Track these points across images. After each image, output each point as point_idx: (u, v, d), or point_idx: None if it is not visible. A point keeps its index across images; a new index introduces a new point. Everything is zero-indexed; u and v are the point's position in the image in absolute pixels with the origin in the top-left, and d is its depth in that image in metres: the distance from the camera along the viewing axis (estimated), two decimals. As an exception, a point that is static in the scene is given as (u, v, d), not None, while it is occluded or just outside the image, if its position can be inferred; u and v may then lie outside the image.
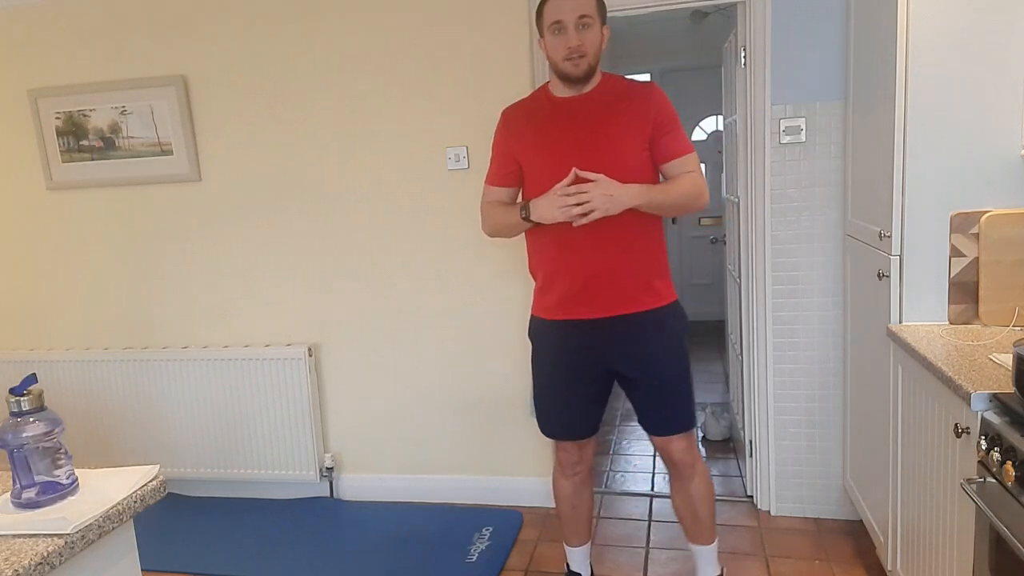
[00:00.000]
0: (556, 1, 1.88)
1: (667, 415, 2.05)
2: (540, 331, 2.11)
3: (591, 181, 1.82)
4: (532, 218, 1.91)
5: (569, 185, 1.84)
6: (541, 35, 1.96)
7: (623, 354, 2.01)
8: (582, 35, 1.87)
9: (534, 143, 1.99)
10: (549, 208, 1.86)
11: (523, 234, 2.07)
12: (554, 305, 2.02)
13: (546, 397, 2.15)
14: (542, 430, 2.18)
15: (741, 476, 3.06)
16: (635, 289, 1.96)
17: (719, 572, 2.20)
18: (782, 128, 2.56)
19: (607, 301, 1.95)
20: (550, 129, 1.97)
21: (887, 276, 2.03)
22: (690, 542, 2.20)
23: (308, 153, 2.93)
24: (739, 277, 2.89)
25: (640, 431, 3.50)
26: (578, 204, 1.81)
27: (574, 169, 1.84)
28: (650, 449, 3.49)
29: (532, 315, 2.13)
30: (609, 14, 2.63)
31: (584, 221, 1.82)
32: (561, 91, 1.98)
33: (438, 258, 2.90)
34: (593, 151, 1.90)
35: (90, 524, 1.15)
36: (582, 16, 1.86)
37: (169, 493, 2.46)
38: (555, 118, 1.98)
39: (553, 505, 2.29)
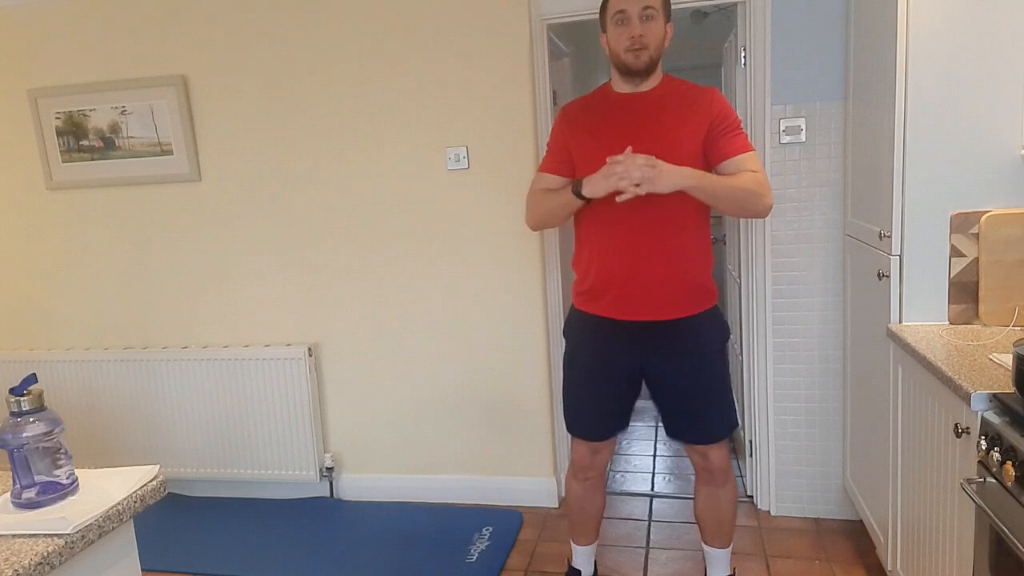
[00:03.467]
0: None
1: (708, 423, 2.03)
2: (580, 325, 2.10)
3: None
4: (583, 192, 1.87)
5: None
6: (603, 29, 1.95)
7: (661, 356, 2.00)
8: (645, 26, 1.87)
9: (589, 135, 1.97)
10: (599, 179, 1.82)
11: (567, 228, 2.08)
12: (596, 302, 2.02)
13: (578, 390, 2.12)
14: (568, 427, 2.17)
15: (741, 476, 3.06)
16: (680, 294, 1.95)
17: (730, 573, 2.21)
18: (782, 128, 2.56)
19: (651, 305, 1.95)
20: (607, 123, 1.96)
21: (887, 276, 2.03)
22: (706, 543, 2.20)
23: (308, 153, 2.93)
24: (739, 277, 2.89)
25: (640, 430, 3.48)
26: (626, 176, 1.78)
27: (628, 148, 1.81)
28: (650, 449, 3.49)
29: (573, 308, 2.12)
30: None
31: (631, 194, 1.77)
32: (621, 87, 1.97)
33: (438, 258, 2.90)
34: (646, 147, 1.86)
35: (90, 524, 1.15)
36: (646, 7, 1.86)
37: (169, 493, 2.46)
38: (612, 113, 1.97)
39: (553, 505, 2.30)
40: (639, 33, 1.86)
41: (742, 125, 2.00)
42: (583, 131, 1.98)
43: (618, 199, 1.79)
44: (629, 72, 1.91)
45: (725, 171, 1.92)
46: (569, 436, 2.24)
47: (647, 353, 2.00)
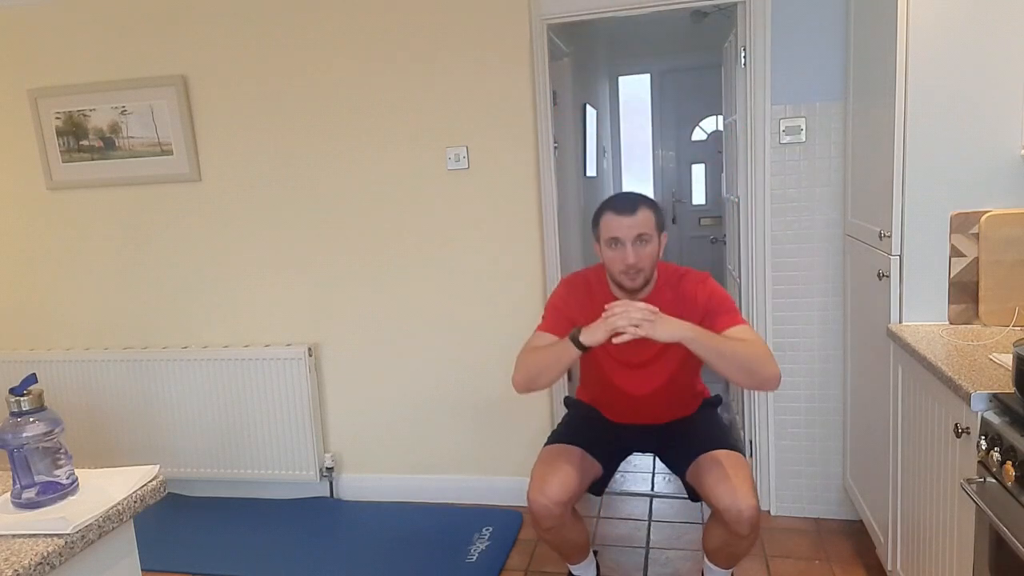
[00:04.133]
0: (615, 218, 1.87)
1: (709, 438, 2.02)
2: (580, 407, 2.26)
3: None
4: (581, 339, 1.79)
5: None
6: (596, 241, 1.95)
7: (656, 442, 2.18)
8: (639, 251, 1.86)
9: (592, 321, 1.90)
10: (598, 324, 1.77)
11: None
12: (599, 407, 2.20)
13: (567, 428, 2.21)
14: (550, 439, 2.16)
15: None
16: (675, 410, 2.14)
17: (730, 573, 2.16)
18: (782, 128, 2.56)
19: (647, 417, 2.14)
20: None
21: (887, 276, 2.03)
22: (708, 560, 2.12)
23: (308, 153, 2.93)
24: (739, 277, 2.89)
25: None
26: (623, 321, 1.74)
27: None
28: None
29: (576, 397, 2.29)
30: (609, 14, 2.66)
31: (629, 335, 1.72)
32: (618, 292, 1.97)
33: (438, 258, 2.90)
34: (648, 354, 1.94)
35: (90, 524, 1.15)
36: (640, 234, 1.85)
37: (169, 493, 2.46)
38: None
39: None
40: (633, 261, 1.85)
41: (735, 302, 2.01)
42: (586, 312, 1.90)
43: (615, 340, 1.74)
44: (624, 290, 1.93)
45: None
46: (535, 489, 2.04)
47: (637, 441, 2.21)
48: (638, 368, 2.02)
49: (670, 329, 1.73)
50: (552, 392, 2.88)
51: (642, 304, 1.74)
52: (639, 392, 2.06)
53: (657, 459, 3.35)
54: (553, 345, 1.91)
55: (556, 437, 2.15)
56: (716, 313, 1.90)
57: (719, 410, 2.22)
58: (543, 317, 2.07)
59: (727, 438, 2.05)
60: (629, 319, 1.72)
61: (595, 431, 2.15)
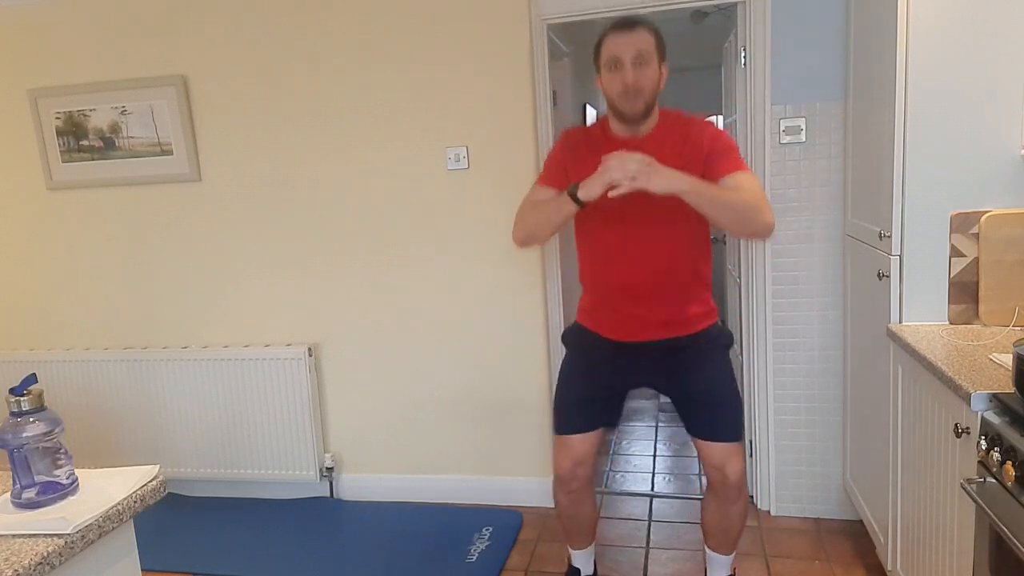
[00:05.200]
0: (614, 37, 1.85)
1: (713, 421, 2.01)
2: (578, 338, 2.13)
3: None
4: (579, 194, 1.80)
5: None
6: (598, 71, 1.92)
7: (660, 375, 2.04)
8: (638, 71, 1.83)
9: (589, 172, 1.87)
10: (594, 178, 1.77)
11: (567, 229, 2.05)
12: (593, 317, 2.07)
13: (567, 385, 2.14)
14: (555, 427, 2.16)
15: (741, 476, 3.06)
16: (678, 315, 1.97)
17: (731, 574, 2.20)
18: (782, 128, 2.56)
19: (648, 327, 1.98)
20: None
21: (887, 276, 2.03)
22: (708, 548, 2.19)
23: (308, 153, 2.93)
24: (739, 277, 2.89)
25: (640, 430, 3.49)
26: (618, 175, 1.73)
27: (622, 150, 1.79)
28: (650, 449, 3.49)
29: (574, 321, 2.16)
30: (609, 14, 2.66)
31: (626, 188, 1.71)
32: (619, 130, 1.94)
33: (438, 258, 2.90)
34: (646, 195, 1.85)
35: (90, 524, 1.15)
36: (639, 52, 1.82)
37: (169, 493, 2.46)
38: None
39: (553, 505, 2.29)
40: (632, 80, 1.82)
41: (739, 147, 1.98)
42: (584, 164, 1.90)
43: (611, 194, 1.74)
44: (624, 118, 1.90)
45: None
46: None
47: (639, 370, 2.05)
48: (636, 218, 1.91)
49: (666, 180, 1.71)
50: (552, 392, 2.87)
51: (638, 155, 1.73)
52: (640, 275, 1.95)
53: (658, 457, 3.36)
54: (551, 200, 1.92)
55: (561, 421, 2.13)
56: (718, 157, 1.88)
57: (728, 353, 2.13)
58: (542, 170, 2.08)
59: (733, 421, 2.03)
60: (625, 171, 1.71)
61: (596, 378, 2.08)
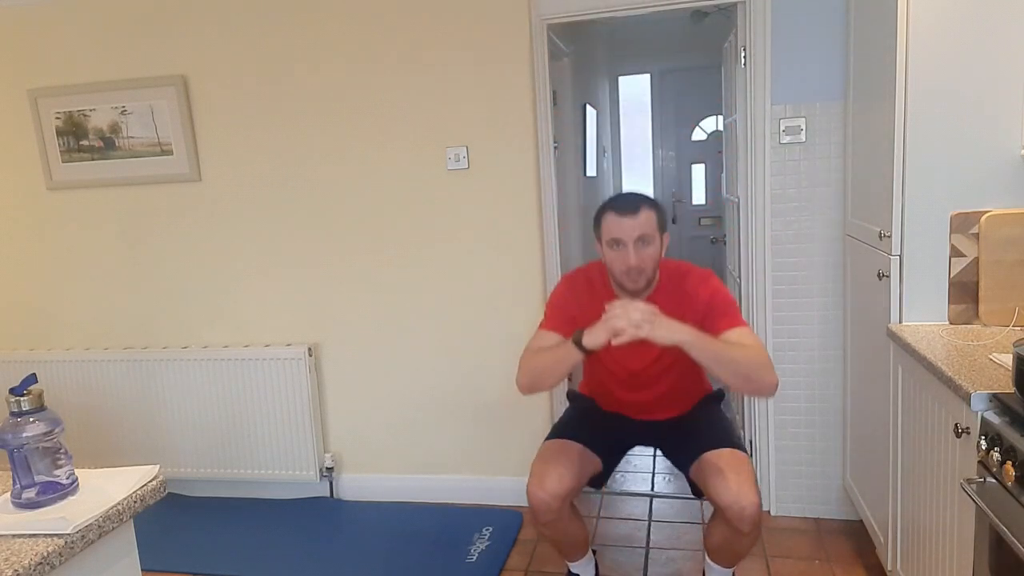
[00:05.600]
0: (616, 219, 1.85)
1: (712, 436, 2.00)
2: (581, 400, 2.25)
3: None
4: (583, 342, 1.76)
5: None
6: (598, 240, 1.93)
7: (658, 437, 2.17)
8: (641, 253, 1.83)
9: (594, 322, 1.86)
10: (599, 326, 1.74)
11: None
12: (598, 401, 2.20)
13: (568, 415, 2.23)
14: (550, 434, 2.16)
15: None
16: (678, 410, 2.13)
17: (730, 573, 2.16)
18: (782, 128, 2.56)
19: (649, 414, 2.14)
20: None
21: (887, 276, 2.03)
22: (709, 558, 2.12)
23: (308, 153, 2.93)
24: (739, 277, 2.89)
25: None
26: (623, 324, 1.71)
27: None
28: (650, 449, 3.48)
29: (579, 391, 2.27)
30: (609, 14, 2.66)
31: (628, 336, 1.69)
32: (620, 292, 1.95)
33: (437, 258, 2.90)
34: (649, 353, 1.90)
35: (90, 524, 1.15)
36: (642, 235, 1.83)
37: (169, 493, 2.46)
38: None
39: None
40: (636, 262, 1.83)
41: (736, 303, 1.99)
42: (587, 318, 1.84)
43: (614, 341, 1.70)
44: (626, 292, 1.91)
45: None
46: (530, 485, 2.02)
47: (639, 435, 2.19)
48: (639, 372, 2.02)
49: (669, 332, 1.71)
50: (552, 392, 2.87)
51: (642, 305, 1.72)
52: (641, 395, 2.07)
53: (658, 457, 3.36)
54: (556, 347, 1.89)
55: (556, 432, 2.15)
56: (717, 314, 1.88)
57: (721, 405, 2.22)
58: (544, 315, 2.06)
59: (730, 436, 2.04)
60: (629, 320, 1.69)
61: (595, 425, 2.14)
